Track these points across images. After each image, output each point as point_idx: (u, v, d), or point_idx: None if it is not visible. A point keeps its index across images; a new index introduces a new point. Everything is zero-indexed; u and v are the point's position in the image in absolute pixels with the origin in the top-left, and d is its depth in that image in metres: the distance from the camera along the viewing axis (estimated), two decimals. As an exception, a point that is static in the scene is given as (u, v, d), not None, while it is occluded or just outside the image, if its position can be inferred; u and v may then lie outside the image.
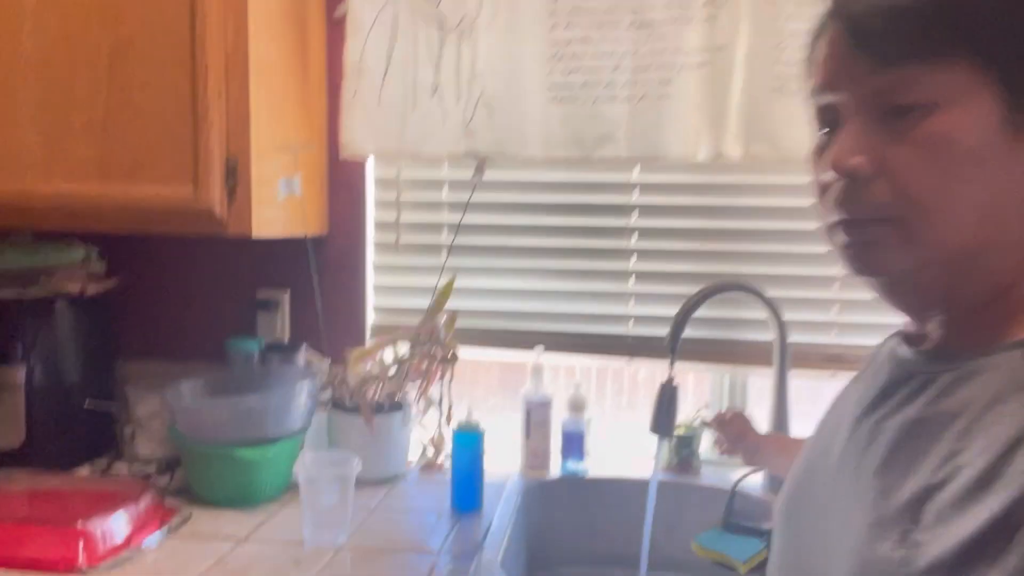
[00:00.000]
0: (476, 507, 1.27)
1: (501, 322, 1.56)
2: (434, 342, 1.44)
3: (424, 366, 1.45)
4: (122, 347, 1.62)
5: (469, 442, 1.26)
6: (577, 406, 1.45)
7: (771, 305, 1.32)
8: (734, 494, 1.37)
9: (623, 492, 1.45)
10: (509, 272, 1.55)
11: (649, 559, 1.26)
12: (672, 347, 1.25)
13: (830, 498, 0.60)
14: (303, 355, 1.50)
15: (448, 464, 1.37)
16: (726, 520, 1.36)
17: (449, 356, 1.41)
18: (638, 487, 1.43)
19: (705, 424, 1.31)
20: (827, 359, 1.44)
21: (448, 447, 1.39)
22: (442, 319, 1.47)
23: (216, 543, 1.13)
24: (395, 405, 1.41)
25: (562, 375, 1.67)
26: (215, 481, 1.27)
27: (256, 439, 1.25)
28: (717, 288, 1.28)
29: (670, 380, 1.24)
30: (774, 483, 1.37)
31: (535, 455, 1.44)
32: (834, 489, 0.60)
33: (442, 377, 1.46)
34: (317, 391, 1.39)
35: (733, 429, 1.21)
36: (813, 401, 1.56)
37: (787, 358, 1.33)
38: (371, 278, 1.60)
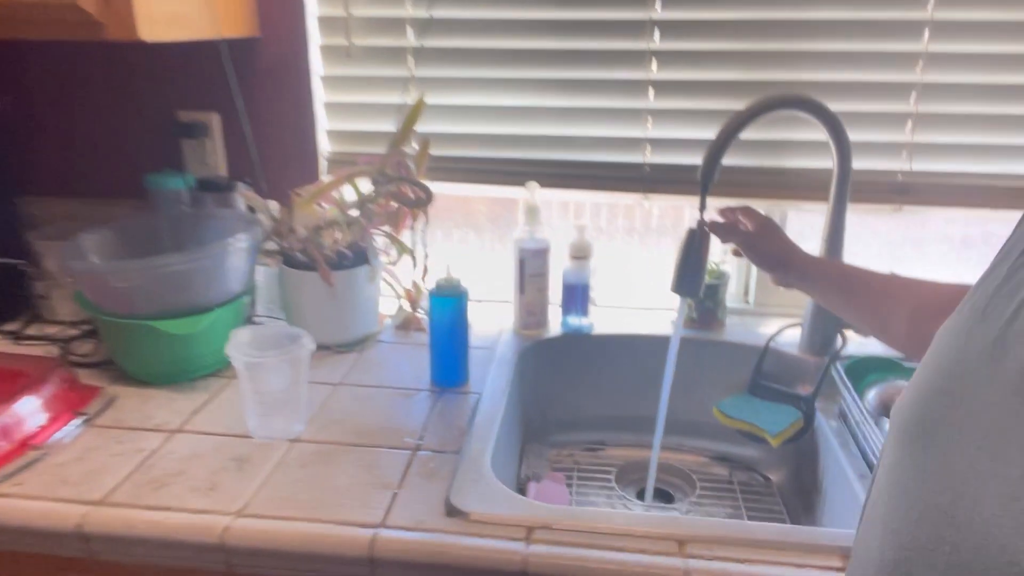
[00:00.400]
0: (460, 382, 1.06)
1: (485, 150, 1.25)
2: (403, 177, 1.14)
3: (392, 207, 1.17)
4: (26, 184, 1.32)
5: (448, 307, 1.01)
6: (580, 252, 1.19)
7: (834, 123, 1.01)
8: (766, 352, 1.17)
9: (633, 350, 1.23)
10: (494, 84, 1.22)
11: (664, 426, 1.07)
12: (705, 181, 0.97)
13: (993, 409, 0.43)
14: (242, 198, 1.20)
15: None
16: (754, 383, 1.17)
17: (422, 194, 1.13)
18: (651, 345, 1.21)
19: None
20: (893, 190, 1.17)
21: (426, 302, 1.14)
22: (412, 148, 1.17)
23: (141, 437, 0.91)
24: (359, 256, 1.15)
25: (561, 214, 1.39)
26: (139, 358, 1.03)
27: (183, 308, 1.00)
28: (770, 104, 0.96)
29: (700, 225, 0.97)
30: (817, 337, 1.15)
31: (530, 312, 1.21)
32: (1003, 395, 0.43)
33: (415, 220, 1.18)
34: (259, 243, 1.11)
35: (732, 216, 0.99)
36: (867, 243, 1.31)
37: (847, 189, 1.06)
38: (319, 94, 1.27)
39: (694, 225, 0.97)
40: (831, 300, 0.88)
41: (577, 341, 1.23)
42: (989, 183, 1.15)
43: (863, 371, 1.06)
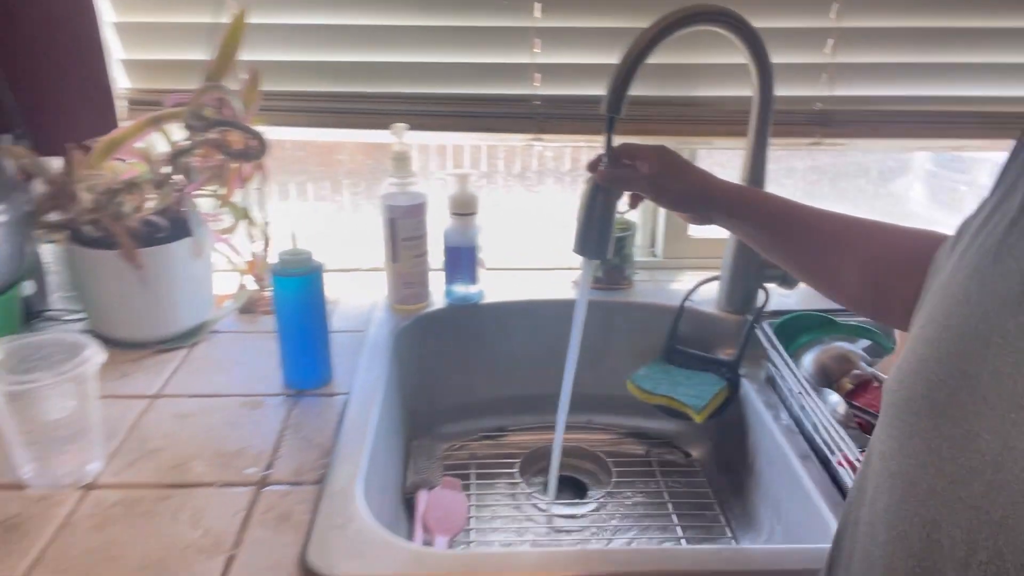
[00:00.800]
0: (321, 380, 0.84)
1: (336, 83, 1.00)
2: (227, 121, 0.88)
3: (218, 161, 0.91)
4: None
5: (295, 288, 0.78)
6: (463, 207, 0.98)
7: (754, 41, 0.85)
8: (681, 313, 1.02)
9: (532, 319, 1.05)
10: None
11: (569, 404, 0.91)
12: (611, 117, 0.78)
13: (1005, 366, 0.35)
14: (9, 156, 0.90)
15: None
16: (670, 349, 1.02)
17: (253, 142, 0.87)
18: (551, 311, 1.04)
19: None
20: (812, 121, 1.03)
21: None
22: (236, 82, 0.90)
23: None
24: (177, 226, 0.89)
25: (438, 161, 1.18)
26: None
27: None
28: (682, 19, 0.78)
29: (605, 165, 0.78)
30: (738, 292, 1.01)
31: (407, 283, 0.99)
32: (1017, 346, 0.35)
33: (246, 178, 0.93)
34: (27, 215, 0.83)
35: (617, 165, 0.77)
36: (781, 183, 1.18)
37: (769, 119, 0.90)
38: (107, 12, 0.96)
39: (597, 169, 0.78)
40: (764, 241, 0.69)
41: (465, 313, 1.03)
42: (914, 108, 1.03)
43: (794, 331, 0.93)
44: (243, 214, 0.93)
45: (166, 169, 0.88)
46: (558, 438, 0.90)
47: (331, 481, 0.67)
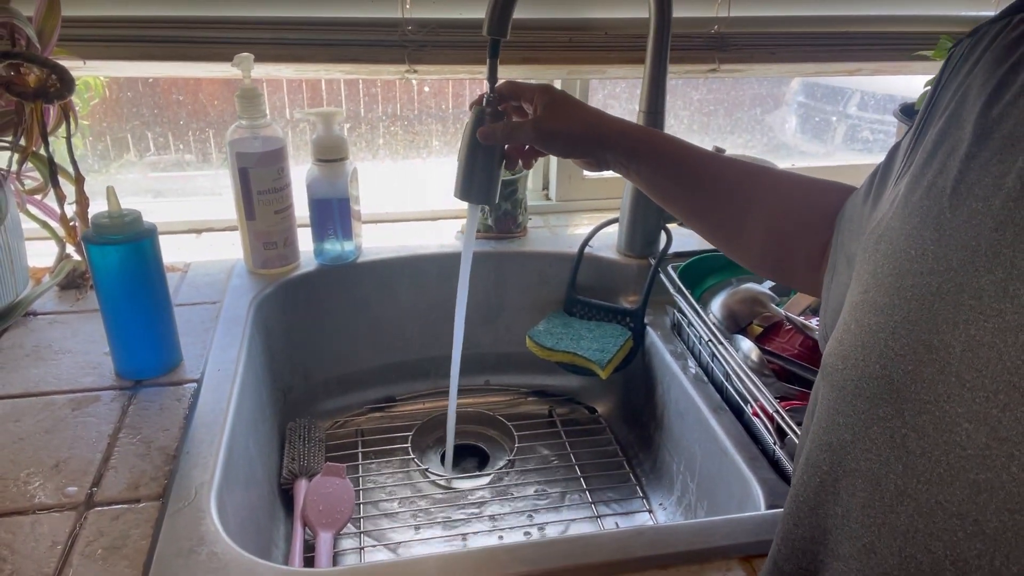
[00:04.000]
0: (164, 366, 0.70)
1: (159, 7, 0.83)
2: (17, 53, 0.70)
3: (10, 103, 0.73)
4: None
5: (117, 257, 0.63)
6: (329, 152, 0.85)
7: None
8: (580, 260, 0.94)
9: (416, 275, 0.94)
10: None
11: (463, 366, 0.81)
12: (495, 42, 0.67)
13: (1012, 338, 0.27)
14: None
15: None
16: (570, 300, 0.94)
17: (54, 80, 0.70)
18: (437, 265, 0.94)
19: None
20: (710, 46, 0.95)
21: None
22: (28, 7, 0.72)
23: None
24: (-36, 188, 0.71)
25: (296, 99, 1.03)
26: None
27: None
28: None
29: (490, 104, 0.67)
30: (638, 235, 0.93)
31: (268, 243, 0.86)
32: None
33: (47, 126, 0.75)
34: None
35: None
36: (678, 115, 1.11)
37: (667, 42, 0.81)
38: None
39: (482, 104, 0.68)
40: (664, 189, 0.61)
41: (340, 273, 0.91)
42: (811, 30, 0.97)
43: (700, 273, 0.87)
44: (47, 168, 0.75)
45: (-60, 115, 0.70)
46: (452, 405, 0.81)
47: (176, 494, 0.55)
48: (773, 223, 0.55)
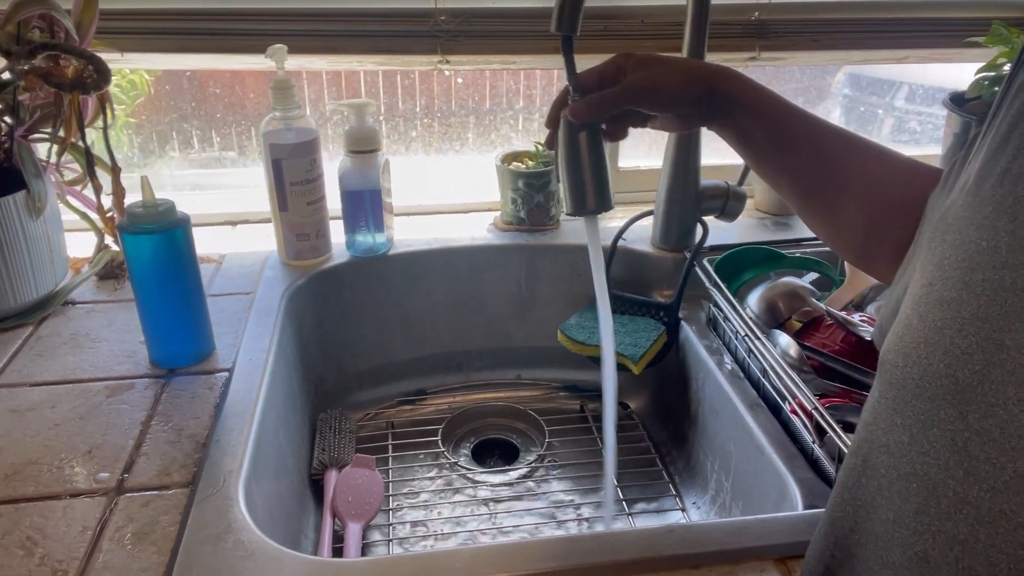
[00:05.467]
0: (197, 355, 0.70)
1: (192, 0, 0.84)
2: (56, 44, 0.71)
3: (50, 95, 0.74)
4: None
5: (150, 246, 0.64)
6: (362, 143, 0.85)
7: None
8: (613, 253, 0.92)
9: (448, 267, 0.94)
10: None
11: (494, 359, 0.80)
12: (569, 35, 0.60)
13: None
14: None
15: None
16: (604, 293, 0.92)
17: (91, 71, 0.71)
18: (468, 258, 0.93)
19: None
20: (750, 33, 0.93)
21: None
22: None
23: None
24: (6, 179, 0.72)
25: (331, 91, 1.03)
26: None
27: None
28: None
29: (574, 99, 0.60)
30: (673, 227, 0.91)
31: (301, 234, 0.86)
32: None
33: (84, 118, 0.76)
34: None
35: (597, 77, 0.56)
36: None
37: (706, 27, 0.79)
38: None
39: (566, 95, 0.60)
40: (766, 151, 0.54)
41: (372, 265, 0.91)
42: (855, 16, 0.94)
43: (737, 267, 0.85)
44: (84, 159, 0.76)
45: (-17, 107, 0.72)
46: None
47: (205, 482, 0.55)
48: (868, 204, 0.50)
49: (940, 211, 0.35)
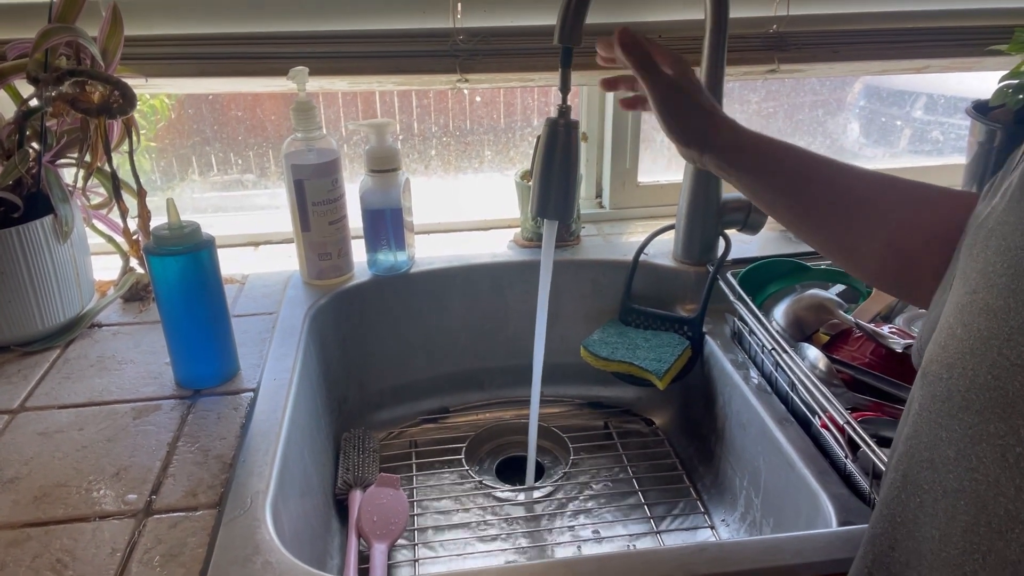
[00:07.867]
0: (222, 376, 0.71)
1: (215, 23, 0.85)
2: (83, 71, 0.73)
3: (75, 120, 0.75)
4: None
5: (177, 268, 0.64)
6: (383, 162, 0.85)
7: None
8: (635, 268, 0.92)
9: (469, 285, 0.93)
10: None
11: (516, 376, 0.80)
12: (568, 48, 0.66)
13: None
14: None
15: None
16: (625, 309, 0.92)
17: (117, 96, 0.72)
18: (490, 275, 0.93)
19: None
20: (768, 46, 0.92)
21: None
22: (92, 26, 0.75)
23: None
24: (36, 203, 0.73)
25: (350, 111, 1.04)
26: None
27: None
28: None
29: (564, 112, 0.67)
30: (695, 241, 0.91)
31: (323, 254, 0.86)
32: None
33: (111, 143, 0.78)
34: None
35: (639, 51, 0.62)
36: (734, 119, 1.08)
37: (724, 41, 0.79)
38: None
39: (555, 115, 0.67)
40: (775, 196, 0.56)
41: (393, 284, 0.91)
42: (875, 26, 0.94)
43: (761, 280, 0.84)
44: (110, 183, 0.77)
45: (14, 135, 0.73)
46: (533, 415, 0.79)
47: (232, 503, 0.55)
48: (896, 240, 0.50)
49: (980, 217, 0.34)
